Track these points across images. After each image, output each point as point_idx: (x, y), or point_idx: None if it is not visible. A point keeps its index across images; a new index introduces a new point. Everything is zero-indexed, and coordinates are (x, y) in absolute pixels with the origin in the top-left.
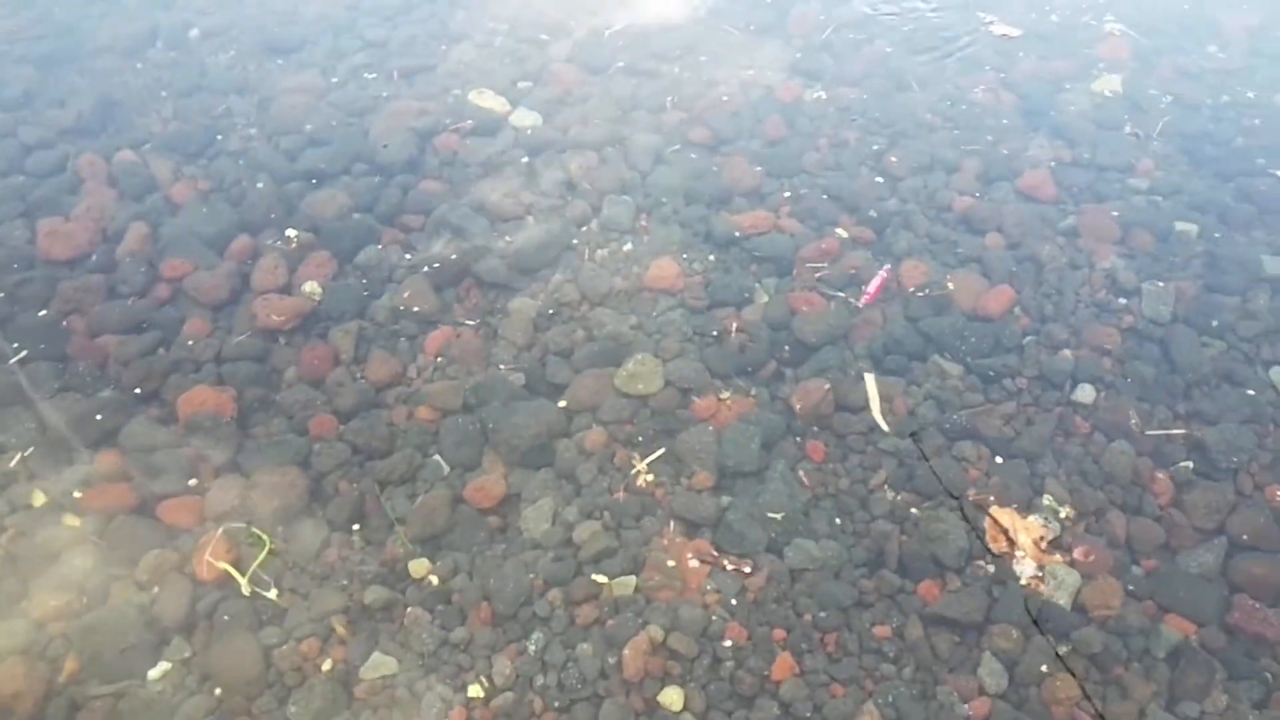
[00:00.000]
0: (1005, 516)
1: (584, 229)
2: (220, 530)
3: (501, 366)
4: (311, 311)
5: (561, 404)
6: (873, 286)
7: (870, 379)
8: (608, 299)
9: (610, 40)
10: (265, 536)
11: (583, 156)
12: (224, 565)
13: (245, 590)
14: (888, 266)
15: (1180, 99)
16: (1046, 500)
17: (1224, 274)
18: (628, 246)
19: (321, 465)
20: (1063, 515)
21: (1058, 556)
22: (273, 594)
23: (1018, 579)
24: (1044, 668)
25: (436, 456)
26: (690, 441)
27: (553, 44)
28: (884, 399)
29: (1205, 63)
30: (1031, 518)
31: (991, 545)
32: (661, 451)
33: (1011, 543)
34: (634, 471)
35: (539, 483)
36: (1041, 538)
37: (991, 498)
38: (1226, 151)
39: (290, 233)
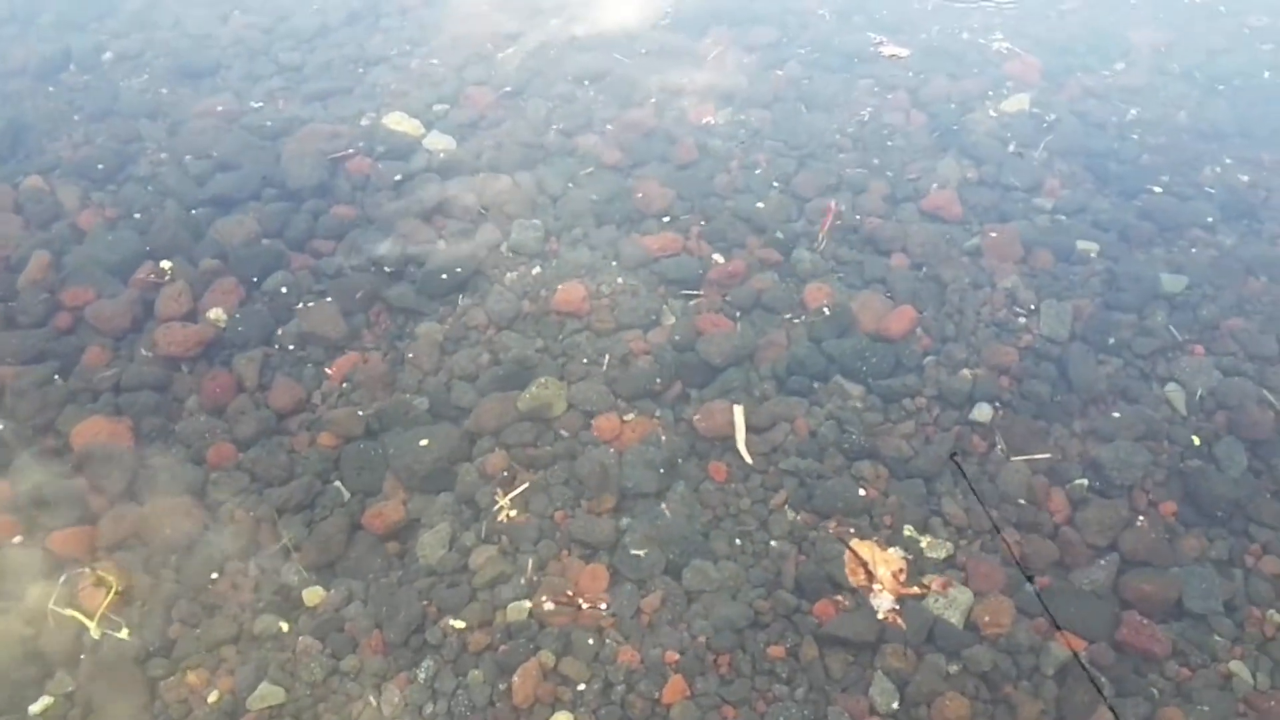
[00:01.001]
0: (865, 549)
1: (494, 252)
2: (63, 578)
3: (406, 392)
4: (216, 339)
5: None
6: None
7: (738, 411)
8: (515, 322)
9: (525, 63)
10: (111, 579)
11: (495, 180)
12: (71, 612)
13: (95, 634)
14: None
15: (1086, 117)
16: (907, 531)
17: (1122, 292)
18: (536, 270)
19: (218, 494)
20: (923, 545)
21: (915, 588)
22: (124, 634)
23: (874, 612)
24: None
25: (337, 483)
26: (591, 464)
27: (469, 67)
28: (785, 419)
29: (1112, 80)
30: (891, 550)
31: (850, 578)
32: (526, 486)
33: (870, 575)
34: (497, 507)
35: (438, 508)
36: (900, 570)
37: (851, 529)
38: (1131, 169)
39: (164, 264)
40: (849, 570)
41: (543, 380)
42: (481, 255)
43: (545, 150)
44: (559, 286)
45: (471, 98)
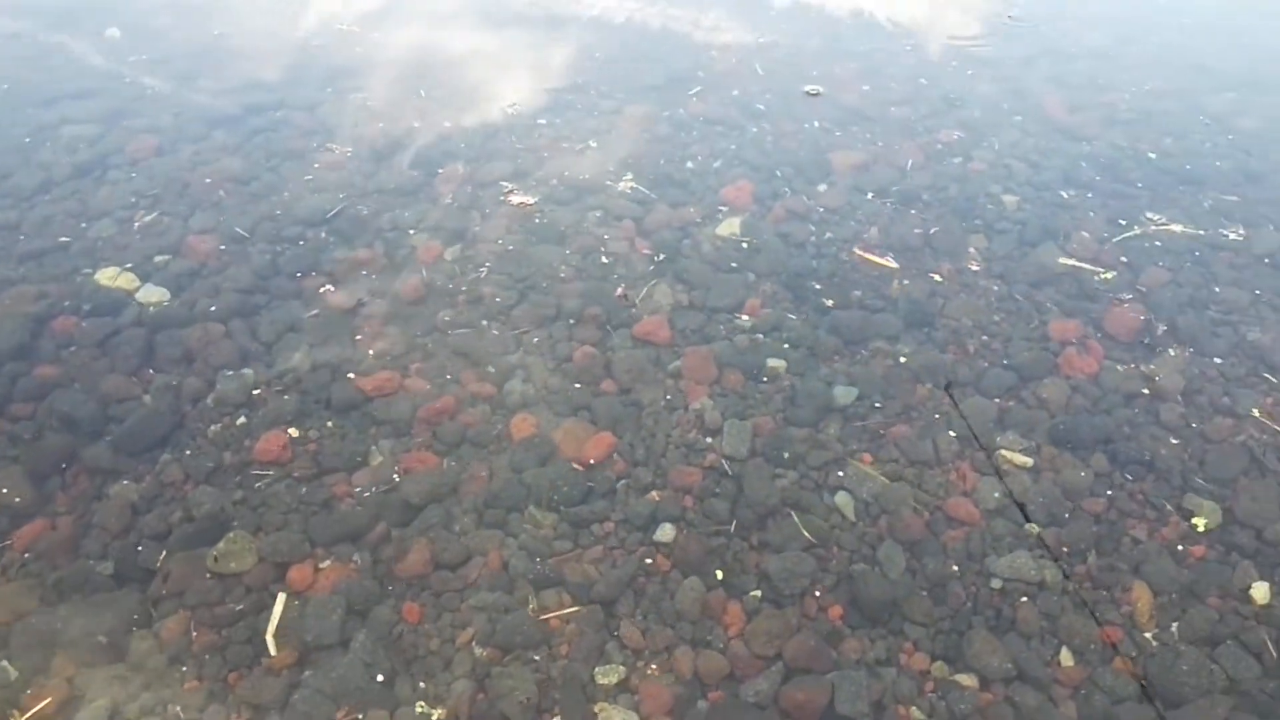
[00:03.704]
0: None
1: (198, 405)
2: None
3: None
4: None
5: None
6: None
7: (281, 599)
8: (212, 476)
9: (253, 208)
10: None
11: (206, 329)
12: None
13: None
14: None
15: (789, 237)
16: None
17: (800, 407)
18: (240, 420)
19: None
20: (595, 673)
21: None
22: None
23: None
24: None
25: (4, 663)
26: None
27: (195, 215)
28: (480, 553)
29: (814, 202)
30: None
31: None
32: (45, 703)
33: None
34: None
35: (104, 681)
36: None
37: None
38: (827, 286)
39: None
40: None
41: (232, 535)
42: (185, 409)
43: (267, 295)
44: (262, 435)
45: (194, 247)
